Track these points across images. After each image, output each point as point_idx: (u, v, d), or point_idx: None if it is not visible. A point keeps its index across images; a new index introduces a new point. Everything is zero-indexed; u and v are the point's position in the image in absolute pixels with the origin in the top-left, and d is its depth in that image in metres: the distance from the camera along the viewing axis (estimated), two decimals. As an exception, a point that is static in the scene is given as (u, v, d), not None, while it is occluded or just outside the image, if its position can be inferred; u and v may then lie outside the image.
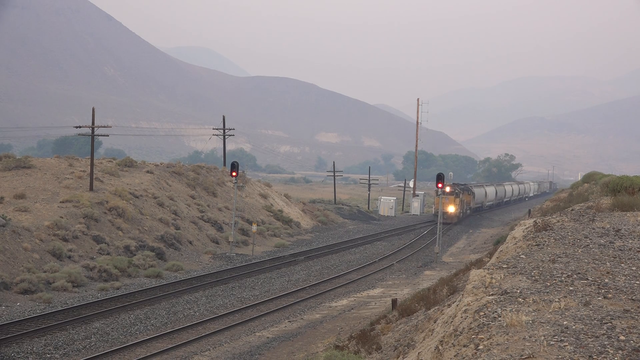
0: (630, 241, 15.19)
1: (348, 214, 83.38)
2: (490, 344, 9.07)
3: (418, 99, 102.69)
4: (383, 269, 46.05)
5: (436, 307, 20.92)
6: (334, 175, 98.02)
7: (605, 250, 14.22)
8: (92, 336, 25.87)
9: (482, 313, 10.34)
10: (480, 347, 9.16)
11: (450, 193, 76.14)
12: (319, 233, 66.90)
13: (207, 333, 27.27)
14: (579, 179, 76.79)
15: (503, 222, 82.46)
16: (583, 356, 8.31)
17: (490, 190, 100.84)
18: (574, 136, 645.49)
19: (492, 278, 12.05)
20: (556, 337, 8.93)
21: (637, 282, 11.55)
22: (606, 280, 11.68)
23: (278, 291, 36.73)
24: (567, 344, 8.68)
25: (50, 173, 50.92)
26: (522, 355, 8.50)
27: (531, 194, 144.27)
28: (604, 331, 9.08)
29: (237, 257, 47.27)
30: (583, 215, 20.17)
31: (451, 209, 76.17)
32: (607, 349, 8.46)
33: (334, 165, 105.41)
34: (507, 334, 9.23)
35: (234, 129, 74.11)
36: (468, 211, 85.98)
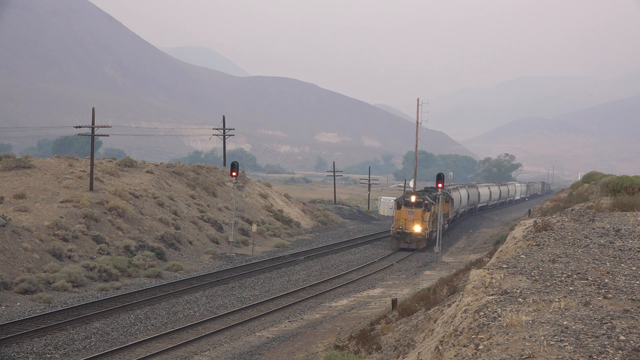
0: (630, 241, 15.18)
1: (348, 214, 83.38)
2: (490, 344, 9.07)
3: (418, 99, 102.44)
4: (383, 269, 46.07)
5: (436, 307, 20.92)
6: (334, 175, 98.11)
7: (605, 250, 14.21)
8: (92, 336, 25.88)
9: (482, 313, 10.34)
10: (480, 347, 9.16)
11: (417, 204, 54.76)
12: (319, 233, 66.90)
13: (207, 333, 27.28)
14: (579, 179, 76.67)
15: (503, 221, 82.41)
16: (583, 356, 8.31)
17: (458, 195, 75.01)
18: (574, 136, 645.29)
19: (492, 278, 12.05)
20: (556, 337, 8.93)
21: (637, 282, 11.55)
22: (606, 280, 11.67)
23: (278, 291, 36.74)
24: (567, 344, 8.68)
25: (50, 173, 50.92)
26: (522, 355, 8.51)
27: (517, 197, 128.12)
28: (604, 331, 9.08)
29: (237, 257, 47.27)
30: (583, 215, 20.15)
31: (417, 228, 54.72)
32: (607, 349, 8.46)
33: (334, 165, 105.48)
34: (507, 334, 9.23)
35: (234, 129, 74.16)
36: (446, 225, 63.92)
